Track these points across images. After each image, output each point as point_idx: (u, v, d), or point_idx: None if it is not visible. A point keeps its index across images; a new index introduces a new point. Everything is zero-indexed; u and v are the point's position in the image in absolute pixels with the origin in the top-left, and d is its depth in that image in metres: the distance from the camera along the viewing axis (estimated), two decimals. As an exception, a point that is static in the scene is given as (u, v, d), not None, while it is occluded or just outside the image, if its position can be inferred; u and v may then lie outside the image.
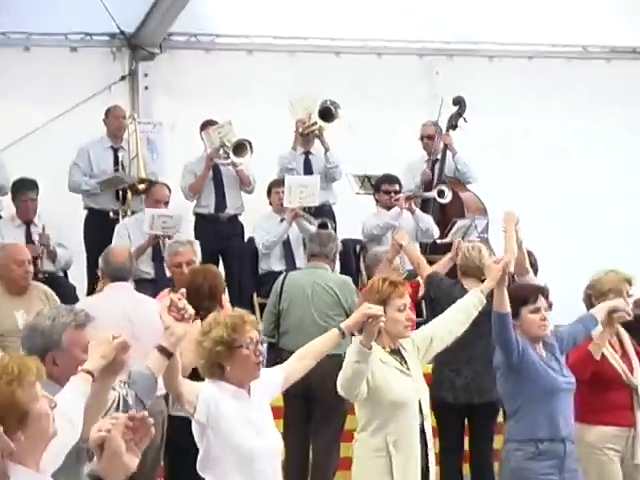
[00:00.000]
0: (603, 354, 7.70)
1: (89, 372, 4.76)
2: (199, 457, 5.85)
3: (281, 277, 10.04)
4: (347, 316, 8.73)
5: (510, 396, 7.41)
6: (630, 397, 7.71)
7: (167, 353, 5.29)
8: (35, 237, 10.96)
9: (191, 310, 5.46)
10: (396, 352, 6.58)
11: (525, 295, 7.21)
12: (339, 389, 6.51)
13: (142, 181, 11.82)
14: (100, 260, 9.30)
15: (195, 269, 8.81)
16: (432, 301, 9.01)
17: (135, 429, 3.55)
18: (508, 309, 7.07)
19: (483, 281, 7.51)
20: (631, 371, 7.71)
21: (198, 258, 9.62)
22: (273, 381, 6.05)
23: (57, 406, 4.09)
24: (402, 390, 6.51)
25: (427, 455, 6.69)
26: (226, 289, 9.51)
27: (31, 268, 9.52)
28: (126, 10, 12.43)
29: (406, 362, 6.61)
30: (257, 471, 5.73)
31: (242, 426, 5.71)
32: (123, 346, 4.87)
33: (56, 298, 9.45)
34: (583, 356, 7.67)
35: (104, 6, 11.77)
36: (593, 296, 7.86)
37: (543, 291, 7.40)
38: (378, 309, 6.17)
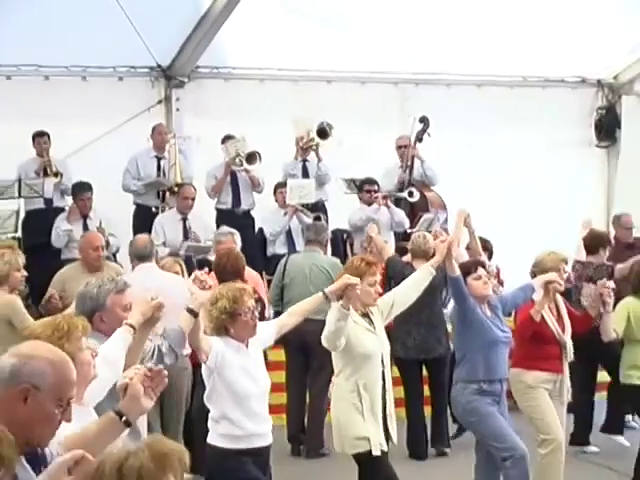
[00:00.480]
0: (543, 317, 7.85)
1: (131, 325, 5.07)
2: (206, 392, 6.20)
3: (284, 259, 10.26)
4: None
5: (460, 345, 7.65)
6: (560, 351, 7.93)
7: (194, 313, 5.69)
8: (92, 228, 10.99)
9: (210, 282, 5.90)
10: (365, 315, 6.83)
11: (469, 267, 7.51)
12: (323, 342, 6.73)
13: (177, 185, 11.98)
14: (128, 247, 9.51)
15: (221, 253, 8.97)
16: (390, 278, 9.14)
17: (152, 379, 3.75)
18: (458, 273, 7.33)
19: (428, 260, 7.82)
20: (563, 331, 7.95)
21: (238, 245, 9.68)
22: (267, 334, 6.36)
23: (102, 351, 4.56)
24: (369, 344, 6.78)
25: (386, 395, 6.90)
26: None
27: (104, 253, 9.75)
28: (162, 48, 12.47)
29: (373, 323, 6.86)
30: (249, 408, 6.07)
31: (241, 374, 6.05)
32: (158, 306, 5.22)
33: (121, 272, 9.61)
34: (526, 319, 7.90)
35: (145, 45, 11.94)
36: (537, 272, 8.06)
37: (482, 264, 7.73)
38: (355, 279, 6.48)
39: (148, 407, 3.72)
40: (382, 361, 6.87)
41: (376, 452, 6.70)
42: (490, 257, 9.90)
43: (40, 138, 11.65)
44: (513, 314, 8.47)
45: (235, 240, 9.60)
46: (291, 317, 6.61)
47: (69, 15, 10.98)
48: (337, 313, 6.49)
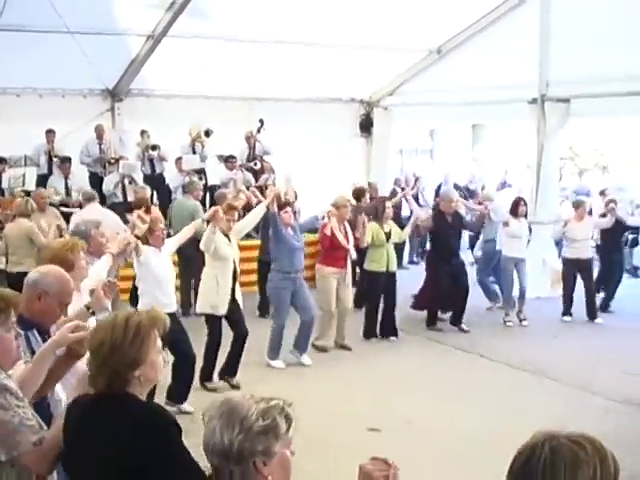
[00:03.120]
0: (334, 234, 8.70)
1: (111, 254, 5.39)
2: (137, 277, 6.70)
3: (172, 202, 11.82)
4: (193, 220, 9.08)
5: (274, 251, 8.28)
6: (346, 254, 8.95)
7: (138, 237, 6.27)
8: (71, 185, 12.51)
9: (147, 218, 6.23)
10: (225, 235, 7.46)
11: (282, 205, 8.26)
12: (201, 247, 7.28)
13: (113, 158, 13.27)
14: (80, 194, 10.88)
15: (138, 198, 10.19)
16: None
17: (109, 286, 3.83)
18: (275, 210, 8.12)
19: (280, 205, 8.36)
20: (348, 242, 8.95)
21: (148, 193, 10.81)
22: (171, 246, 6.92)
23: (94, 267, 4.74)
24: (226, 251, 7.42)
25: (235, 282, 7.51)
26: (157, 206, 11.16)
27: (48, 200, 10.58)
28: (109, 78, 13.56)
29: (229, 239, 7.48)
30: (162, 289, 6.57)
31: (158, 266, 6.62)
32: (129, 242, 5.62)
33: (57, 213, 10.69)
34: (323, 237, 8.98)
35: (99, 76, 12.92)
36: (334, 207, 8.98)
37: (289, 204, 8.41)
38: (217, 209, 7.25)
39: (107, 305, 3.68)
40: (234, 262, 7.53)
41: (218, 314, 7.42)
42: (295, 199, 10.85)
43: (50, 133, 13.04)
44: (319, 232, 9.23)
45: (146, 192, 10.74)
46: (184, 236, 7.19)
47: (53, 56, 11.64)
48: (209, 230, 7.22)
